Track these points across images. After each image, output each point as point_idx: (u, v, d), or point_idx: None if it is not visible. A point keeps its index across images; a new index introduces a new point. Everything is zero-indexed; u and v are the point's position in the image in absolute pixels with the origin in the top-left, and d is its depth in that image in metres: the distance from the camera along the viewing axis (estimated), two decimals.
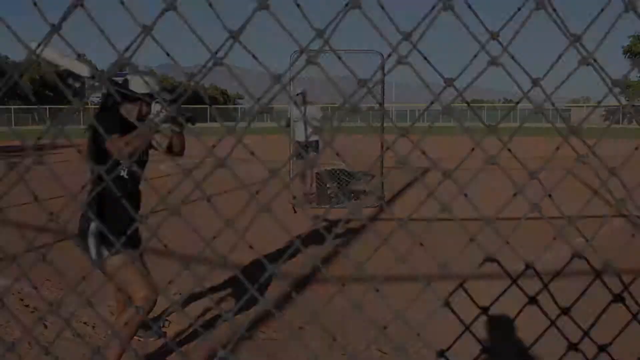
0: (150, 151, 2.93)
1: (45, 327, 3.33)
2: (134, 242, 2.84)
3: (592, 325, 0.62)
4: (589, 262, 0.62)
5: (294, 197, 7.17)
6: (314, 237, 5.30)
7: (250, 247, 0.63)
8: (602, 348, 0.63)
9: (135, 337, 3.19)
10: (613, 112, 48.58)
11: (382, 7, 0.56)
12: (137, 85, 2.69)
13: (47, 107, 45.37)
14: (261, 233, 5.71)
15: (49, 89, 57.52)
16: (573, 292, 3.67)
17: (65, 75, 65.13)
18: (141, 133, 2.44)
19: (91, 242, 2.58)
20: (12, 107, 49.92)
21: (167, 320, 3.38)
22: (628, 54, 49.45)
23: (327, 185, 7.45)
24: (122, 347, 2.53)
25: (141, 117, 2.72)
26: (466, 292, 0.65)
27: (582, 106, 52.94)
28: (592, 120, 49.62)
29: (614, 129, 40.28)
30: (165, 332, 3.22)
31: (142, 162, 2.80)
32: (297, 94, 7.53)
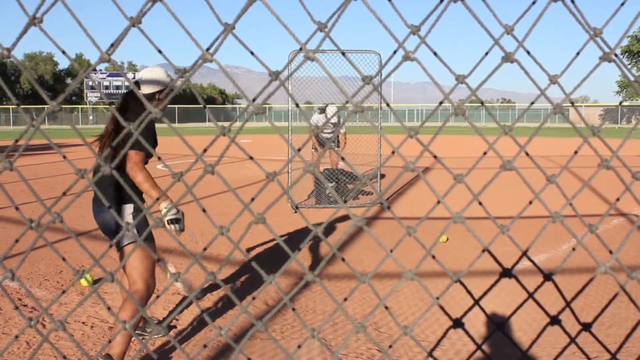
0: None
1: (44, 326, 3.32)
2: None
3: (620, 348, 0.61)
4: (615, 277, 0.62)
5: (296, 208, 7.18)
6: (313, 237, 5.29)
7: (250, 260, 0.62)
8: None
9: (141, 335, 3.19)
10: (611, 111, 48.61)
11: (391, 2, 0.55)
12: (148, 82, 2.77)
13: (46, 107, 45.24)
14: (262, 231, 5.72)
15: (46, 89, 57.42)
16: (574, 288, 3.65)
17: (64, 75, 65.10)
18: (154, 193, 2.54)
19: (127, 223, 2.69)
20: (11, 107, 49.82)
21: (176, 318, 3.38)
22: (626, 53, 49.62)
23: (325, 185, 7.46)
24: (128, 337, 2.62)
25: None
26: (483, 310, 0.64)
27: (581, 105, 52.97)
28: (591, 119, 49.67)
29: (611, 129, 40.26)
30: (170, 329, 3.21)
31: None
32: (320, 109, 7.72)
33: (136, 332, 3.21)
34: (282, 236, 5.64)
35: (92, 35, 0.63)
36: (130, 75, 50.52)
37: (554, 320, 0.59)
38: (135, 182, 2.53)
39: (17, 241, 0.60)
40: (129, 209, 2.69)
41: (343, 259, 0.61)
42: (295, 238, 5.60)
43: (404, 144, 12.80)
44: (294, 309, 0.60)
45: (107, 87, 50.64)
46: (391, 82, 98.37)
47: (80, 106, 51.26)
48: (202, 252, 0.57)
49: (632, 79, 0.57)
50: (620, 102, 0.61)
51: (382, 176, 8.27)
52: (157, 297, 0.77)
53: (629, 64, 49.45)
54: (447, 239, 5.37)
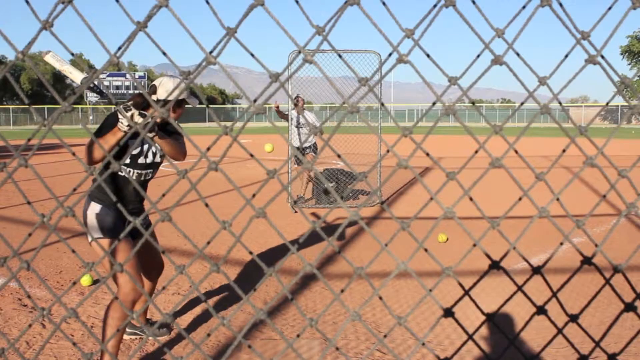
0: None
1: (44, 326, 3.33)
2: (132, 230, 2.87)
3: (603, 336, 0.61)
4: (598, 269, 0.62)
5: (295, 201, 7.19)
6: (314, 237, 5.30)
7: (250, 252, 0.63)
8: (612, 356, 0.63)
9: (139, 334, 3.19)
10: (612, 111, 48.63)
11: (384, 3, 0.56)
12: (163, 91, 2.69)
13: (46, 107, 45.32)
14: (261, 232, 5.73)
15: (46, 90, 57.42)
16: (573, 289, 3.66)
17: (64, 75, 65.14)
18: (117, 131, 2.51)
19: (88, 223, 2.68)
20: (11, 107, 49.87)
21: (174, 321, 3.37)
22: (626, 53, 49.60)
23: (324, 185, 7.47)
24: (113, 339, 2.55)
25: (163, 120, 2.77)
26: (472, 299, 0.65)
27: (581, 105, 52.98)
28: (590, 119, 49.49)
29: (610, 129, 40.30)
30: (172, 329, 3.22)
31: (156, 164, 2.83)
32: (295, 98, 7.59)
33: (132, 331, 3.21)
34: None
35: (90, 35, 0.63)
36: (128, 76, 50.42)
37: (540, 310, 0.60)
38: (99, 154, 2.45)
39: (30, 235, 0.61)
40: (94, 207, 2.68)
41: (339, 252, 0.61)
42: (294, 238, 5.61)
43: (406, 145, 12.82)
44: (292, 299, 0.60)
45: (107, 87, 50.71)
46: (391, 82, 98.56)
47: (80, 106, 51.29)
48: (206, 245, 0.58)
49: (615, 79, 0.58)
50: (607, 103, 0.62)
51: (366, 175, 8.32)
52: (163, 287, 0.78)
53: (629, 64, 49.41)
54: (447, 239, 5.37)
